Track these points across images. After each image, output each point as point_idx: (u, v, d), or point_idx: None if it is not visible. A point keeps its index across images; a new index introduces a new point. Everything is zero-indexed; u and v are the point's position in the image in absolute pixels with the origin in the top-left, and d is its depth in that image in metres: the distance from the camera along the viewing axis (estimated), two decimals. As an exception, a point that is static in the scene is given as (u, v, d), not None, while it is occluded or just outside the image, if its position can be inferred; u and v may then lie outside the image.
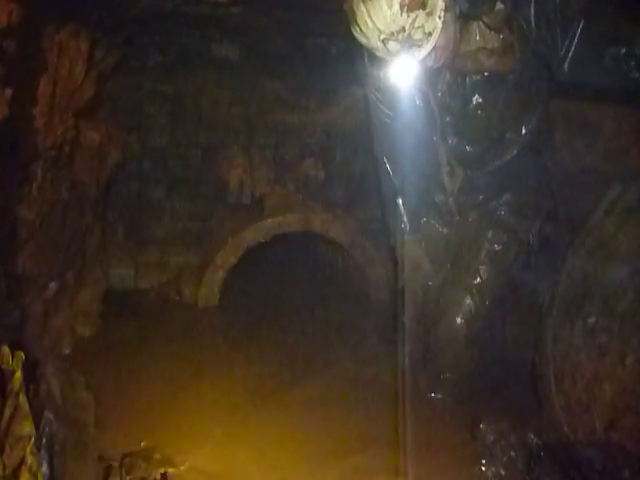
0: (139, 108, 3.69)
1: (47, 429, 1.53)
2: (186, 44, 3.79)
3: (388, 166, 2.46)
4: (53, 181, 2.52)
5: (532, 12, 1.78)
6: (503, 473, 1.87)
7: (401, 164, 2.42)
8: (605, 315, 1.89)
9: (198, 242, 3.83)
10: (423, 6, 1.70)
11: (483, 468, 1.88)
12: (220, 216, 3.79)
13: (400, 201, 2.50)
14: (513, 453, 1.91)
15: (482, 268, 2.21)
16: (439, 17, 1.74)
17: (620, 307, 1.83)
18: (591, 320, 1.94)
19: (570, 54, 1.73)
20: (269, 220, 3.56)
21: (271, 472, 1.85)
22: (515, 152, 2.15)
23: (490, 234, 2.24)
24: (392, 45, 1.74)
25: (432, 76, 2.05)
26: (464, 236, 2.33)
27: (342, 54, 3.44)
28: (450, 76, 2.04)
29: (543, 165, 2.22)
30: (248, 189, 3.80)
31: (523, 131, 2.11)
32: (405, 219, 2.50)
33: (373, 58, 1.88)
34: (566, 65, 1.75)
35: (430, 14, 1.72)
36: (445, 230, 2.42)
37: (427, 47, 1.78)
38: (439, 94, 2.09)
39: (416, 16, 1.70)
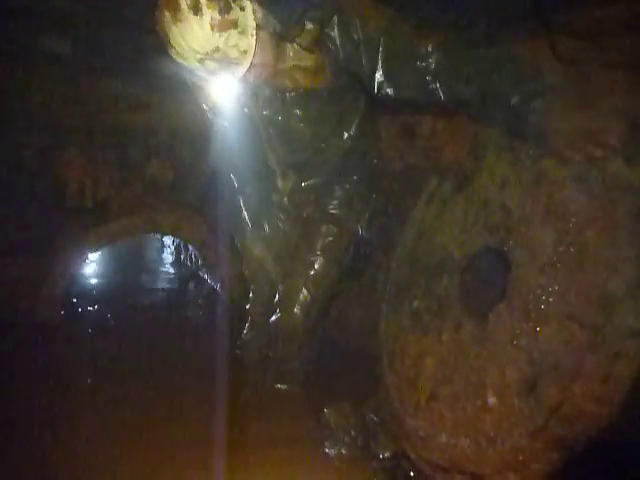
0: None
1: None
2: (11, 37, 3.48)
3: (226, 167, 2.51)
4: None
5: (336, 33, 1.92)
6: (344, 452, 1.99)
7: (239, 166, 2.49)
8: (426, 297, 2.09)
9: (35, 252, 3.54)
10: (234, 25, 1.75)
11: (326, 450, 1.99)
12: (59, 222, 3.54)
13: (241, 200, 2.56)
14: (353, 432, 2.05)
15: (316, 260, 2.32)
16: (252, 35, 1.81)
17: (438, 289, 2.03)
18: (415, 303, 2.13)
19: (377, 70, 1.90)
20: (114, 224, 3.41)
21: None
22: (340, 154, 2.30)
23: (323, 228, 2.37)
24: (210, 64, 1.79)
25: (252, 92, 2.14)
26: (301, 231, 2.44)
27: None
28: (270, 92, 2.12)
29: (369, 163, 2.39)
30: (89, 192, 3.60)
31: (345, 136, 2.26)
32: (247, 218, 2.56)
33: (194, 76, 1.89)
34: (375, 80, 1.93)
35: (243, 33, 1.79)
36: (286, 227, 2.53)
37: (245, 64, 1.85)
38: (261, 109, 2.17)
39: (228, 35, 1.75)
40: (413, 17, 1.87)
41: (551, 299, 1.58)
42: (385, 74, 1.86)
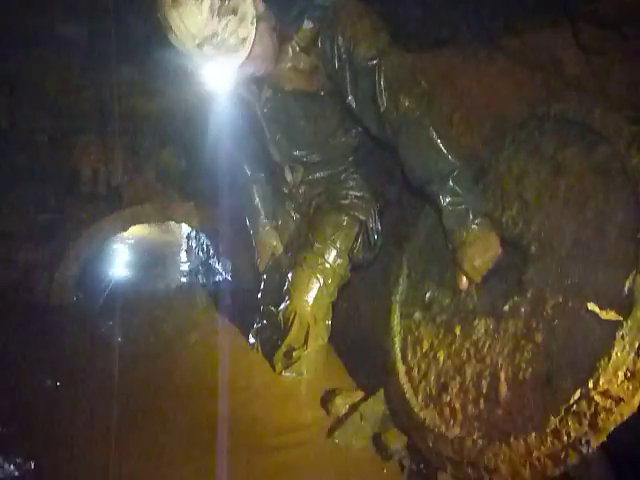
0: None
1: None
2: (28, 22, 3.49)
3: (240, 157, 2.52)
4: None
5: (328, 45, 1.94)
6: (354, 442, 1.98)
7: (250, 157, 2.50)
8: (440, 289, 2.07)
9: (49, 236, 3.58)
10: (233, 12, 1.77)
11: (336, 440, 1.98)
12: (73, 207, 3.56)
13: (254, 189, 2.55)
14: (363, 423, 2.03)
15: (325, 249, 2.31)
16: (251, 24, 1.82)
17: (452, 281, 2.01)
18: (429, 294, 2.11)
19: (349, 95, 1.97)
20: (127, 210, 3.41)
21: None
22: (348, 150, 2.32)
23: (332, 218, 2.35)
24: (208, 49, 1.78)
25: (256, 88, 2.15)
26: (310, 220, 2.43)
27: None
28: (271, 91, 2.13)
29: (380, 156, 2.37)
30: (103, 178, 3.61)
31: (353, 133, 2.29)
32: (260, 207, 2.56)
33: (194, 64, 1.89)
34: (347, 100, 1.98)
35: (242, 20, 1.80)
36: (297, 216, 2.52)
37: (243, 53, 1.86)
38: (263, 106, 2.19)
39: (227, 21, 1.76)
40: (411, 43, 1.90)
41: (568, 293, 1.55)
42: (356, 105, 1.95)
